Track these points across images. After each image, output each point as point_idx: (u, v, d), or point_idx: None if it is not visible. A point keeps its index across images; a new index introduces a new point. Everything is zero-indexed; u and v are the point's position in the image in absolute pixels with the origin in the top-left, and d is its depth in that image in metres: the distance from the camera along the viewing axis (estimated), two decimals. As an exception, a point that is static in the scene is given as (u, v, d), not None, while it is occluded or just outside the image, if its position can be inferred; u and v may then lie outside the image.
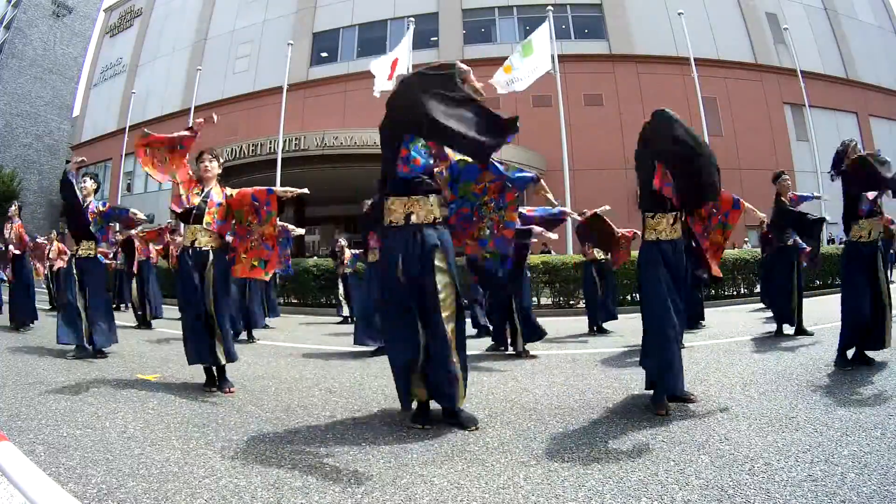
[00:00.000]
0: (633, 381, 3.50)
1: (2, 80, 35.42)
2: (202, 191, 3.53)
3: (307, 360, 4.65)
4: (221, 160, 3.66)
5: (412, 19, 14.28)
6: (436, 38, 20.87)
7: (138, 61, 27.20)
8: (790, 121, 19.91)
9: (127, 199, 22.33)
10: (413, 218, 2.55)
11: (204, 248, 3.46)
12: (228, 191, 3.59)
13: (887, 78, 21.72)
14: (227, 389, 3.38)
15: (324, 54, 22.33)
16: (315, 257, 13.71)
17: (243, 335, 5.99)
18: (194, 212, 3.46)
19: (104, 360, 4.49)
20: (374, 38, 21.27)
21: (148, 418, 2.74)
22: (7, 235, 6.61)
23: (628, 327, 6.74)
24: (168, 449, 2.27)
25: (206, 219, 3.46)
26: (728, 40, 20.18)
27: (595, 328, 6.44)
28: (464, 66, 2.45)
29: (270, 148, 16.62)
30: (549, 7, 13.12)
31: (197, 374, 3.79)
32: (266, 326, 7.03)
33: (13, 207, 6.77)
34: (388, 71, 12.77)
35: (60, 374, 3.85)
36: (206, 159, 3.55)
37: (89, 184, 4.75)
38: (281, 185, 14.52)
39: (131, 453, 2.21)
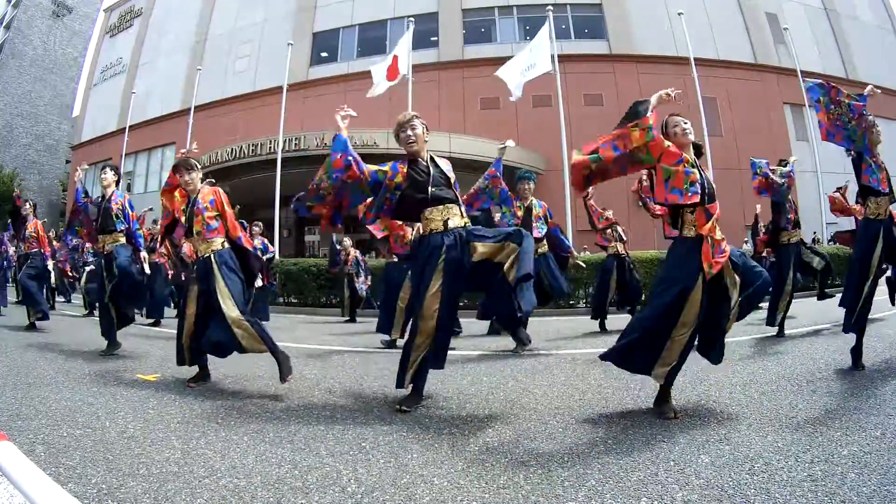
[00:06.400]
0: (633, 381, 3.50)
1: (2, 80, 35.46)
2: (187, 204, 3.61)
3: (307, 360, 4.65)
4: (198, 165, 3.67)
5: (412, 19, 14.28)
6: (436, 38, 20.87)
7: (138, 61, 27.19)
8: (790, 121, 19.90)
9: (127, 199, 22.31)
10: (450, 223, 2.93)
11: (205, 256, 3.48)
12: (212, 195, 3.59)
13: (887, 78, 21.68)
14: (286, 378, 3.25)
15: (324, 54, 22.33)
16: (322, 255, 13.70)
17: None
18: (187, 227, 3.58)
19: (104, 360, 4.49)
20: (374, 38, 21.28)
21: (148, 418, 2.74)
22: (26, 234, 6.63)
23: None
24: (168, 449, 2.26)
25: (196, 228, 3.51)
26: (728, 40, 20.18)
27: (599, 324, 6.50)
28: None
29: (270, 148, 16.62)
30: (549, 7, 13.11)
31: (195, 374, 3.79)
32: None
33: (27, 206, 6.80)
34: (385, 71, 12.79)
35: (60, 374, 3.85)
36: (183, 174, 3.57)
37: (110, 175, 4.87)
38: (281, 185, 14.74)
39: (131, 453, 2.21)
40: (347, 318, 8.87)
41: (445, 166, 3.08)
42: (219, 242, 3.51)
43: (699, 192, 2.62)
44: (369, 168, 2.95)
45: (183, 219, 3.65)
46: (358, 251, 9.17)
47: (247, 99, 22.20)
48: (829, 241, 16.46)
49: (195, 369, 3.62)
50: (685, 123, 2.78)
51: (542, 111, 17.17)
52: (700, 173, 2.68)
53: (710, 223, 2.64)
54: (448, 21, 20.95)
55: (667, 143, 2.67)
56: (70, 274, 11.01)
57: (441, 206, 2.91)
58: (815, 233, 15.36)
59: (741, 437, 2.29)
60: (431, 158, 3.05)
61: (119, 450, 2.25)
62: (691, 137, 2.77)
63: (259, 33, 23.22)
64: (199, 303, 3.49)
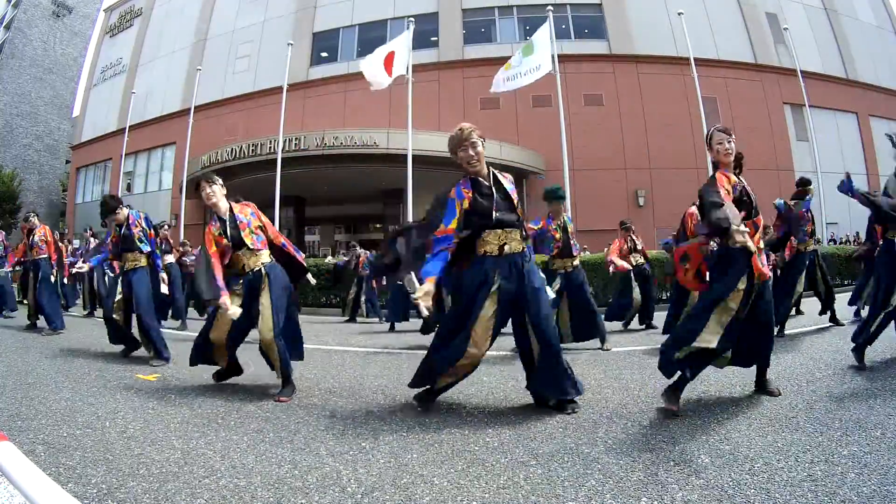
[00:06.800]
0: (633, 381, 3.50)
1: (2, 80, 35.46)
2: (224, 219, 3.41)
3: (307, 360, 4.64)
4: (220, 180, 3.51)
5: (412, 19, 14.23)
6: (436, 38, 20.87)
7: (138, 61, 27.17)
8: (790, 121, 19.90)
9: (127, 199, 22.21)
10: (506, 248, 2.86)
11: (255, 269, 3.37)
12: (249, 207, 3.53)
13: (887, 78, 21.70)
14: (279, 398, 3.17)
15: (324, 54, 22.33)
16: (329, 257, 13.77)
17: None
18: (233, 242, 3.38)
19: (104, 360, 4.50)
20: (374, 38, 21.23)
21: (148, 418, 2.74)
22: (33, 240, 6.64)
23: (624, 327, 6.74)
24: (168, 449, 2.27)
25: (248, 240, 3.38)
26: (728, 40, 20.17)
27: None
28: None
29: (270, 148, 16.62)
30: (549, 7, 13.10)
31: (196, 374, 3.80)
32: None
33: (32, 217, 6.81)
34: (381, 65, 12.71)
35: (60, 374, 3.85)
36: (204, 187, 3.42)
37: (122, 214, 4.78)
38: (281, 185, 14.74)
39: (131, 453, 2.21)
40: (347, 319, 8.89)
41: (508, 185, 2.92)
42: (266, 254, 3.43)
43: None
44: (452, 228, 2.78)
45: (224, 241, 3.41)
46: (368, 252, 9.23)
47: (247, 99, 22.19)
48: (829, 241, 16.48)
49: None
50: (728, 143, 2.82)
51: (542, 111, 17.17)
52: (744, 189, 2.82)
53: (758, 235, 2.81)
54: (448, 21, 20.95)
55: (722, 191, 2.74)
56: (68, 279, 11.03)
57: (500, 231, 2.81)
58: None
59: (741, 437, 2.29)
60: (493, 175, 2.92)
61: (119, 450, 2.25)
62: (731, 158, 2.84)
63: (259, 33, 23.21)
64: (241, 315, 3.35)
